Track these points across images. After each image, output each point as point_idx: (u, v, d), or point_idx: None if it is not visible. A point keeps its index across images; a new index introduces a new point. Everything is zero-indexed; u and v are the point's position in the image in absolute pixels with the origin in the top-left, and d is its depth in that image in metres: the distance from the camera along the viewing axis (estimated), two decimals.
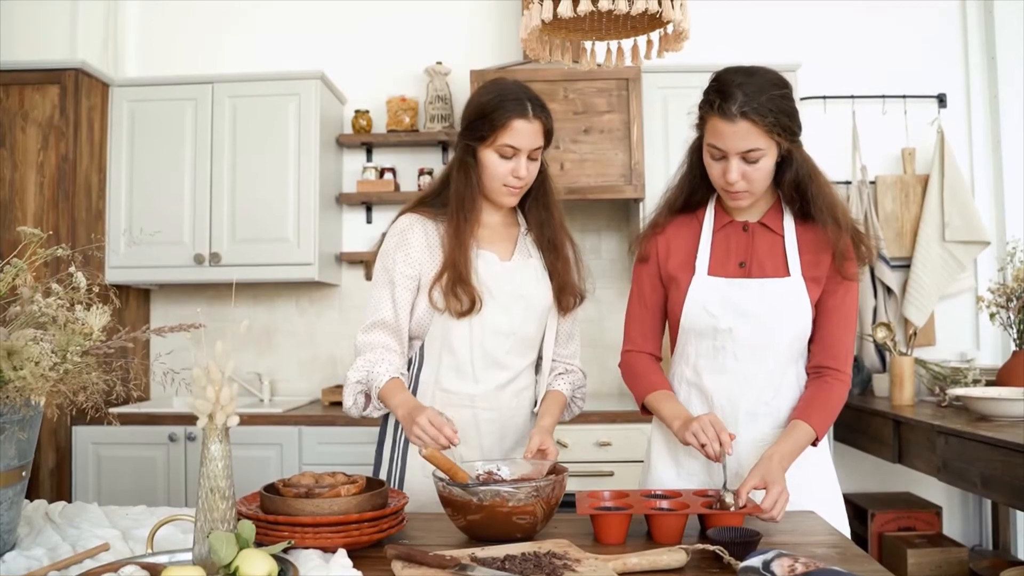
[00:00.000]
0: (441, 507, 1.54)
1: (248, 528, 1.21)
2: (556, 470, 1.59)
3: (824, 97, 3.82)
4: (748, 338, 1.74)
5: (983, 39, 3.86)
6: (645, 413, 1.85)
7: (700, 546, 1.36)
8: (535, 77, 3.38)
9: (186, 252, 3.58)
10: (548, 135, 1.85)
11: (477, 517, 1.46)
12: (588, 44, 1.79)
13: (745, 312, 1.73)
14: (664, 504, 1.54)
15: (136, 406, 3.52)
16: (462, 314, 1.82)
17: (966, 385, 3.29)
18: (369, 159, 3.93)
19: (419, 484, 1.83)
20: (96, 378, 1.39)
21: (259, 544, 1.26)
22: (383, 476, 1.92)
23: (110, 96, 3.63)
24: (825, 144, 3.66)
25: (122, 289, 3.65)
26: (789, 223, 1.78)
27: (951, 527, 3.77)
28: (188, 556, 1.24)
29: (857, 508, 3.55)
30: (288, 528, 1.37)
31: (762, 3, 3.89)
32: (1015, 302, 3.17)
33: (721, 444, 1.60)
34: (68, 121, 3.39)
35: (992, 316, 3.25)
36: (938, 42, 3.90)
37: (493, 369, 1.87)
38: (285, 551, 1.30)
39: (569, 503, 1.55)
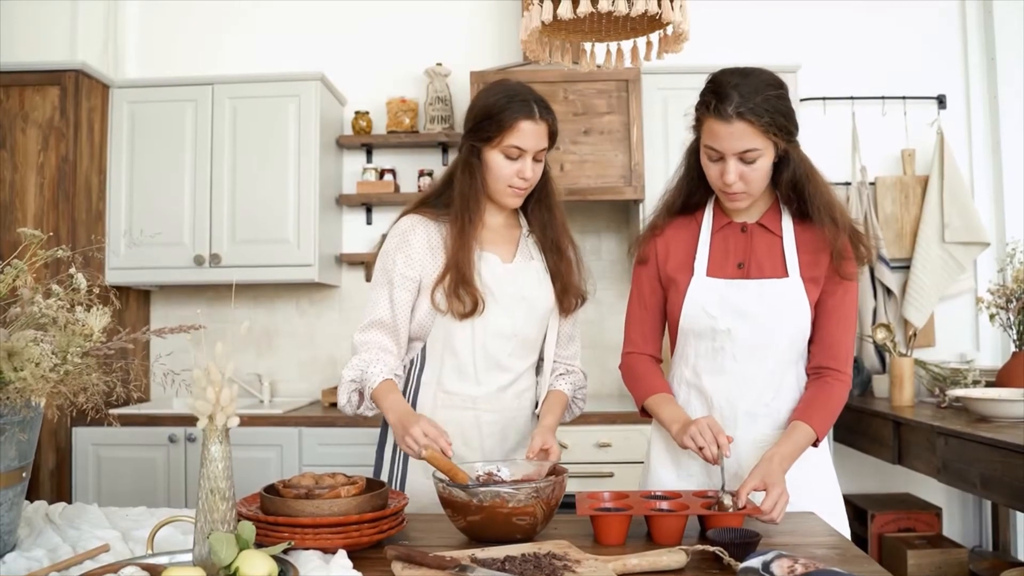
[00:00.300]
0: (442, 508, 1.54)
1: (248, 529, 1.21)
2: (556, 471, 1.59)
3: (824, 98, 3.82)
4: (747, 339, 1.74)
5: (983, 40, 3.86)
6: (645, 415, 1.85)
7: (700, 547, 1.36)
8: (535, 78, 3.38)
9: (186, 253, 3.59)
10: (553, 137, 1.86)
11: (477, 518, 1.46)
12: (588, 45, 1.79)
13: (744, 313, 1.73)
14: (664, 505, 1.54)
15: (136, 407, 3.52)
16: (464, 316, 1.82)
17: (966, 386, 3.29)
18: (369, 160, 3.93)
19: (420, 486, 1.83)
20: (96, 379, 1.39)
21: (259, 545, 1.26)
22: (384, 478, 1.92)
23: (110, 97, 3.63)
24: (825, 145, 3.67)
25: (122, 290, 3.65)
26: (787, 224, 1.78)
27: (951, 528, 3.77)
28: (188, 557, 1.25)
29: (857, 509, 3.55)
30: (288, 529, 1.37)
31: (762, 4, 3.89)
32: (1015, 303, 3.17)
33: (719, 447, 1.60)
34: (68, 122, 3.39)
35: (992, 317, 3.25)
36: (938, 43, 3.90)
37: (495, 371, 1.88)
38: (285, 552, 1.30)
39: (569, 504, 1.55)
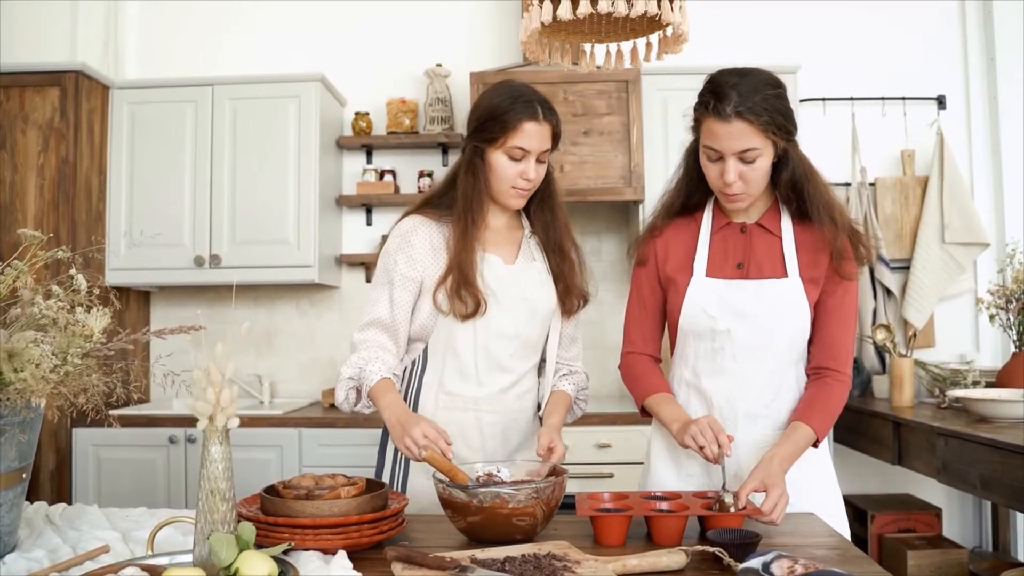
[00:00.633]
0: (442, 509, 1.54)
1: (248, 530, 1.21)
2: (556, 472, 1.60)
3: (824, 99, 3.82)
4: (746, 339, 1.74)
5: (982, 40, 3.86)
6: (644, 415, 1.85)
7: (700, 547, 1.36)
8: (535, 79, 3.38)
9: (186, 254, 3.59)
10: (556, 138, 1.86)
11: (477, 519, 1.46)
12: (588, 46, 1.79)
13: (743, 313, 1.74)
14: (664, 506, 1.55)
15: (136, 408, 3.52)
16: (466, 317, 1.82)
17: (966, 387, 3.29)
18: (369, 161, 3.93)
19: (422, 487, 1.83)
20: (96, 380, 1.39)
21: (259, 546, 1.26)
22: (386, 478, 1.92)
23: (110, 98, 3.64)
24: (825, 146, 3.67)
25: (122, 291, 3.65)
26: (787, 224, 1.78)
27: (951, 529, 3.77)
28: (188, 558, 1.25)
29: (857, 510, 3.55)
30: (288, 530, 1.37)
31: (762, 5, 3.89)
32: (1015, 304, 3.17)
33: (720, 446, 1.60)
34: (68, 123, 3.40)
35: (992, 318, 3.25)
36: (937, 43, 3.90)
37: (496, 372, 1.88)
38: (285, 553, 1.30)
39: (569, 505, 1.55)
